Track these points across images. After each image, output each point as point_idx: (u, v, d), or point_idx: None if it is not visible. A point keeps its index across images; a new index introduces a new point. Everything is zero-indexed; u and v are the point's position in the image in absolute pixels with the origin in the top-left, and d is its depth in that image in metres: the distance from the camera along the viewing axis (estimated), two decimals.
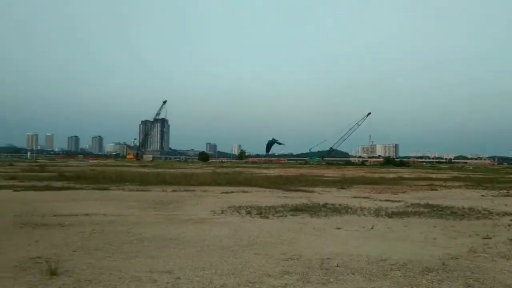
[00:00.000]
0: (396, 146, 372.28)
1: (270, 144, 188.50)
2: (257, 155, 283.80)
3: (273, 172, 54.79)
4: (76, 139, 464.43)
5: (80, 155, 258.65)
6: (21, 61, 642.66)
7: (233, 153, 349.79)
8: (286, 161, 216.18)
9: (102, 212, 13.42)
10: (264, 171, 58.60)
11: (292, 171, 59.66)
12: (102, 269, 6.65)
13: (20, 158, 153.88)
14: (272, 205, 15.87)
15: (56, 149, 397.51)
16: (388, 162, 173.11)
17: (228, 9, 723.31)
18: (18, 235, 9.37)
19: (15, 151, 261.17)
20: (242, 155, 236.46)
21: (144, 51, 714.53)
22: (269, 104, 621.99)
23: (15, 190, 20.49)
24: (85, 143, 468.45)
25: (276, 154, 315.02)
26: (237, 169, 67.14)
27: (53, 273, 6.22)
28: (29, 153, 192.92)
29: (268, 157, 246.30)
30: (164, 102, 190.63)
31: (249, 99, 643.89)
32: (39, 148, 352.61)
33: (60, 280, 6.03)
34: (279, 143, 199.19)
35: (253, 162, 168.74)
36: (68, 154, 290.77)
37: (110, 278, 6.21)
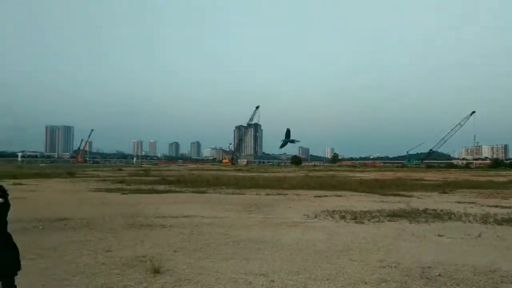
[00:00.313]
0: (505, 147, 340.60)
1: (284, 143, 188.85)
2: (351, 159, 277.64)
3: (368, 175, 53.16)
4: (177, 145, 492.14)
5: (180, 160, 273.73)
6: (134, 78, 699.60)
7: (326, 156, 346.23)
8: (381, 164, 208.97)
9: (201, 214, 14.02)
10: (359, 174, 57.10)
11: (388, 175, 57.39)
12: (200, 270, 6.92)
13: (127, 163, 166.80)
14: (367, 210, 15.38)
15: (159, 155, 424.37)
16: (497, 164, 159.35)
17: (328, 15, 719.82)
18: (126, 235, 10.12)
19: (123, 157, 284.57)
20: (335, 159, 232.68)
21: (235, 64, 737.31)
22: (361, 106, 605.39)
23: (123, 193, 22.21)
24: (185, 149, 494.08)
25: (371, 157, 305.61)
26: (330, 172, 66.27)
27: (156, 271, 6.61)
28: (135, 159, 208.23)
29: (363, 160, 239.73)
30: (257, 107, 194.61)
31: (341, 102, 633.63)
32: (143, 154, 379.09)
33: (163, 278, 6.39)
34: (293, 142, 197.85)
35: (346, 166, 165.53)
36: (169, 159, 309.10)
37: (208, 278, 6.44)
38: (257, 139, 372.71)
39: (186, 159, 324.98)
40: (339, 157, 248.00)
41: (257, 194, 22.42)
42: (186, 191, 24.27)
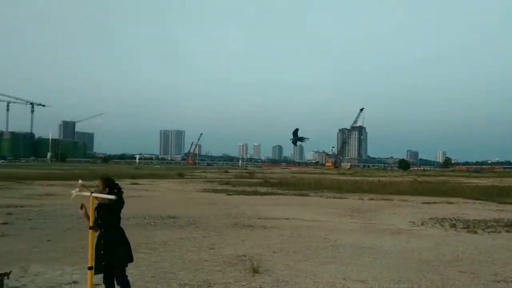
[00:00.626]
0: None
1: (294, 142, 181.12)
2: (466, 163, 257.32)
3: (485, 182, 48.78)
4: (280, 148, 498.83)
5: (283, 163, 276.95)
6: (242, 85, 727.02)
7: (437, 160, 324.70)
8: (501, 170, 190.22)
9: (301, 217, 14.04)
10: (474, 180, 52.67)
11: (509, 181, 52.08)
12: (298, 272, 6.93)
13: (233, 165, 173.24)
14: (482, 218, 14.14)
15: (263, 158, 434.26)
16: None
17: None
18: (228, 234, 10.51)
19: (229, 159, 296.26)
20: (447, 163, 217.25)
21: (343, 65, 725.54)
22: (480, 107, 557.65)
23: (228, 194, 23.11)
24: (288, 152, 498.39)
25: (490, 161, 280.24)
26: (441, 178, 62.00)
27: (255, 271, 6.76)
28: (240, 161, 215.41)
29: (479, 165, 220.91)
30: (361, 109, 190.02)
31: (455, 103, 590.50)
32: (248, 156, 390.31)
33: (261, 278, 6.51)
34: (301, 140, 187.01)
35: (461, 171, 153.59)
36: (272, 162, 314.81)
37: (305, 281, 6.42)
38: (361, 142, 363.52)
39: (289, 162, 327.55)
40: (452, 161, 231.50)
41: (360, 198, 21.83)
42: (288, 193, 24.48)
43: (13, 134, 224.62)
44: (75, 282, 5.96)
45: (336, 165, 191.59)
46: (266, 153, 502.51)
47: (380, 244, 9.56)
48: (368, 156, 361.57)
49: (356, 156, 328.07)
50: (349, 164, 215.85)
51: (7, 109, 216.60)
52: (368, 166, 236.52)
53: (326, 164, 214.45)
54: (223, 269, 7.00)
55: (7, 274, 5.56)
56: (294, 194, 23.83)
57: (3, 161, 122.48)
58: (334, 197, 22.54)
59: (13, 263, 6.95)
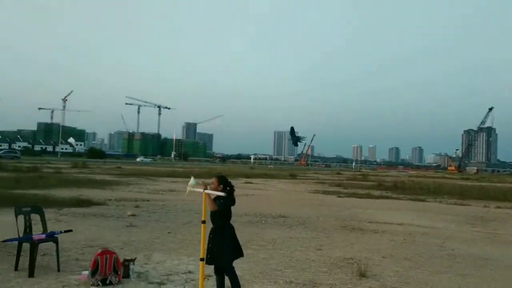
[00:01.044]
0: None
1: (294, 142, 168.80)
2: None
3: None
4: (397, 150, 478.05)
5: (400, 166, 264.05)
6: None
7: None
8: None
9: (416, 223, 13.36)
10: None
11: None
12: (409, 279, 6.64)
13: (346, 167, 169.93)
14: None
15: (378, 160, 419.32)
16: None
17: None
18: (337, 236, 10.43)
19: (343, 161, 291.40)
20: None
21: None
22: None
23: (339, 196, 22.84)
24: (405, 154, 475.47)
25: None
26: None
27: (362, 274, 6.64)
28: (354, 163, 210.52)
29: None
30: (490, 109, 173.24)
31: None
32: (363, 158, 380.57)
33: (368, 282, 6.38)
34: (298, 139, 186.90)
35: None
36: (389, 165, 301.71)
37: None
38: (490, 144, 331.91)
39: (406, 165, 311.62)
40: None
41: (485, 206, 20.01)
42: (403, 198, 23.37)
43: (143, 134, 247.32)
44: (190, 272, 6.44)
45: (460, 169, 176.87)
46: (382, 155, 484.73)
47: (505, 256, 8.73)
48: (498, 160, 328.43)
49: (484, 160, 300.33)
50: (475, 168, 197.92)
51: (138, 112, 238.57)
52: (498, 171, 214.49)
53: (449, 167, 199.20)
54: (329, 270, 7.00)
55: (132, 260, 6.25)
56: (410, 199, 22.67)
57: (150, 159, 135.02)
58: (455, 203, 20.98)
59: (138, 251, 7.75)
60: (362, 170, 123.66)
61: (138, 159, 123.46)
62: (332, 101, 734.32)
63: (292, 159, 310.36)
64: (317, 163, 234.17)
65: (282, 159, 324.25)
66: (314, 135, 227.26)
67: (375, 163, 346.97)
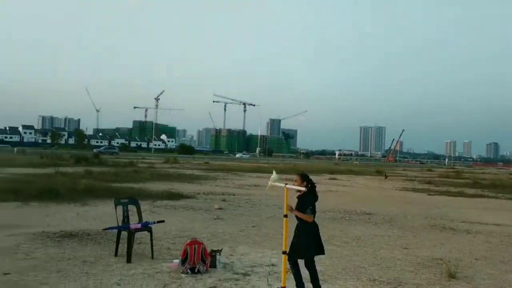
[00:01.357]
0: None
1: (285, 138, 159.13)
2: None
3: None
4: (496, 146, 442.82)
5: (499, 163, 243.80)
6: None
7: None
8: None
9: None
10: None
11: None
12: (504, 283, 6.23)
13: (438, 164, 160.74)
14: None
15: (474, 156, 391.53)
16: None
17: None
18: (425, 235, 10.00)
19: (434, 157, 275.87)
20: None
21: None
22: None
23: (429, 194, 21.78)
24: (506, 150, 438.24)
25: None
26: None
27: (451, 276, 6.33)
28: (446, 160, 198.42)
29: None
30: None
31: None
32: (456, 154, 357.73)
33: (458, 284, 6.08)
34: (288, 135, 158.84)
35: None
36: (486, 161, 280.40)
37: None
38: None
39: (507, 161, 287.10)
40: None
41: None
42: (502, 197, 21.67)
43: (229, 131, 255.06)
44: (273, 265, 6.61)
45: None
46: (479, 151, 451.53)
47: None
48: None
49: None
50: None
51: (225, 109, 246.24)
52: None
53: None
54: (416, 270, 6.77)
55: (219, 251, 6.56)
56: (510, 198, 20.97)
57: (248, 155, 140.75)
58: None
59: (224, 243, 8.08)
60: (456, 166, 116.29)
61: (237, 155, 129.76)
62: (423, 94, 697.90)
63: (379, 155, 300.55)
64: (406, 159, 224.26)
65: (369, 155, 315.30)
66: (403, 130, 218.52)
67: (470, 159, 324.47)
